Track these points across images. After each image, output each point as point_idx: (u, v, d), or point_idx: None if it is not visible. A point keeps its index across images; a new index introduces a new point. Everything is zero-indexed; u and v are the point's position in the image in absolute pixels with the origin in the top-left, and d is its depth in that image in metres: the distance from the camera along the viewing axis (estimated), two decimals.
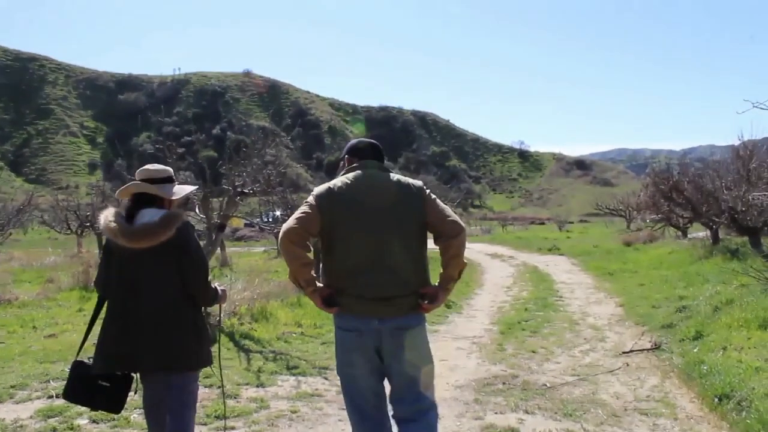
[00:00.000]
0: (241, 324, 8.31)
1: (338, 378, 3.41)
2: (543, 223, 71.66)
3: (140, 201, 3.43)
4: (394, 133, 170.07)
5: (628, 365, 6.59)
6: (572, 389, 5.78)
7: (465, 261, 3.20)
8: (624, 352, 7.16)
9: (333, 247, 3.14)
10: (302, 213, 3.12)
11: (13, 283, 16.23)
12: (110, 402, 3.41)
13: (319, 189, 3.23)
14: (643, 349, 7.19)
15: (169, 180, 3.55)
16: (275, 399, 5.39)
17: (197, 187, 3.86)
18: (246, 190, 9.02)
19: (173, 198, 3.51)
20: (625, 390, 5.71)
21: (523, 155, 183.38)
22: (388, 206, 3.13)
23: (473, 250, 27.31)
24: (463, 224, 3.20)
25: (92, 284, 13.29)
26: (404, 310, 3.12)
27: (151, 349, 3.24)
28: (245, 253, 26.98)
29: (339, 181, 3.22)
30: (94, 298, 10.17)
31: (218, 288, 3.56)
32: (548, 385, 5.92)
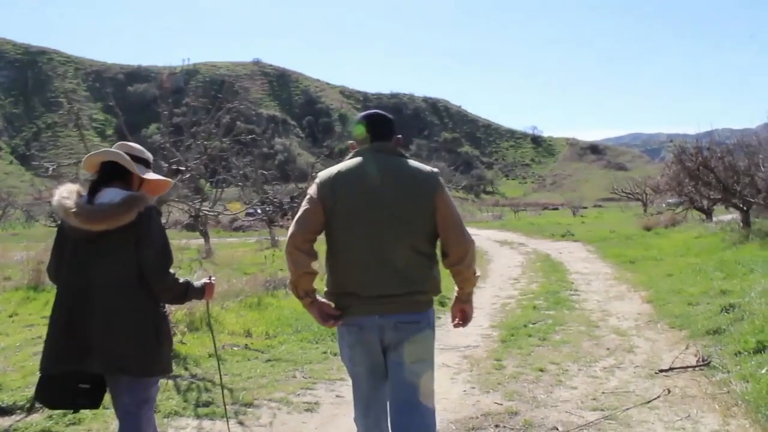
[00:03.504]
0: (173, 335, 6.59)
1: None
2: (556, 209, 69.53)
3: (106, 176, 3.06)
4: (406, 120, 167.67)
5: (669, 392, 4.79)
6: None
7: (476, 273, 2.98)
8: (662, 371, 5.36)
9: (334, 241, 2.90)
10: (304, 211, 2.86)
11: None
12: (91, 400, 3.04)
13: (321, 176, 2.94)
14: (688, 367, 5.38)
15: (145, 163, 3.20)
16: None
17: (173, 181, 3.74)
18: (181, 168, 7.26)
19: (144, 177, 3.13)
20: None
21: (536, 140, 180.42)
22: (393, 200, 2.81)
23: (481, 237, 25.50)
24: (470, 239, 2.89)
25: (42, 283, 11.85)
26: (408, 307, 2.84)
27: (101, 350, 2.89)
28: (239, 244, 25.32)
29: (343, 165, 2.92)
30: (41, 298, 8.30)
31: (197, 284, 3.14)
32: (559, 429, 4.16)
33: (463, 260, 2.86)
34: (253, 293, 8.83)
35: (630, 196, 47.46)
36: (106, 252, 2.92)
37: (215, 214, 10.25)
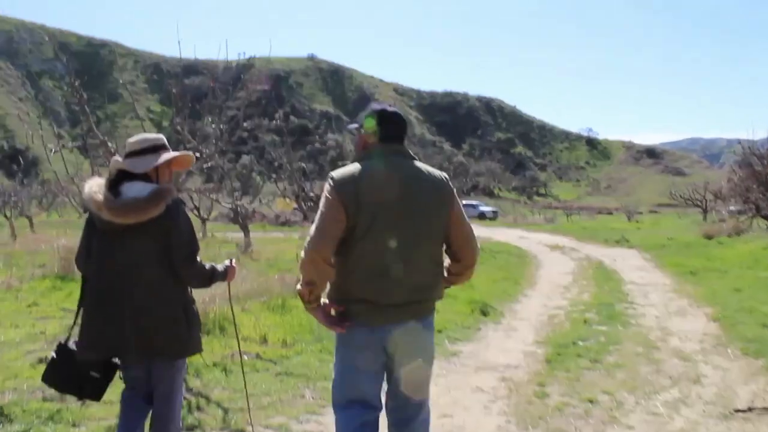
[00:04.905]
0: None
1: None
2: (611, 213, 67.59)
3: (123, 174, 3.10)
4: (459, 119, 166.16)
5: None
6: None
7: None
8: (738, 411, 4.51)
9: (352, 248, 2.69)
10: (325, 218, 2.64)
11: (2, 267, 14.56)
12: (96, 391, 3.20)
13: (340, 177, 2.71)
14: None
15: (151, 150, 3.16)
16: None
17: (174, 154, 3.37)
18: (196, 155, 6.65)
19: (160, 164, 3.12)
20: None
21: (592, 143, 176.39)
22: (417, 208, 2.73)
23: (531, 240, 24.56)
24: (477, 246, 2.93)
25: (71, 272, 11.45)
26: (418, 314, 2.81)
27: (139, 336, 2.98)
28: (282, 239, 24.84)
29: (363, 168, 2.72)
30: (66, 289, 8.06)
31: (221, 267, 3.24)
32: None
33: (473, 266, 2.95)
34: (279, 294, 8.18)
35: (689, 201, 45.73)
36: (135, 244, 3.00)
37: (233, 207, 9.65)
